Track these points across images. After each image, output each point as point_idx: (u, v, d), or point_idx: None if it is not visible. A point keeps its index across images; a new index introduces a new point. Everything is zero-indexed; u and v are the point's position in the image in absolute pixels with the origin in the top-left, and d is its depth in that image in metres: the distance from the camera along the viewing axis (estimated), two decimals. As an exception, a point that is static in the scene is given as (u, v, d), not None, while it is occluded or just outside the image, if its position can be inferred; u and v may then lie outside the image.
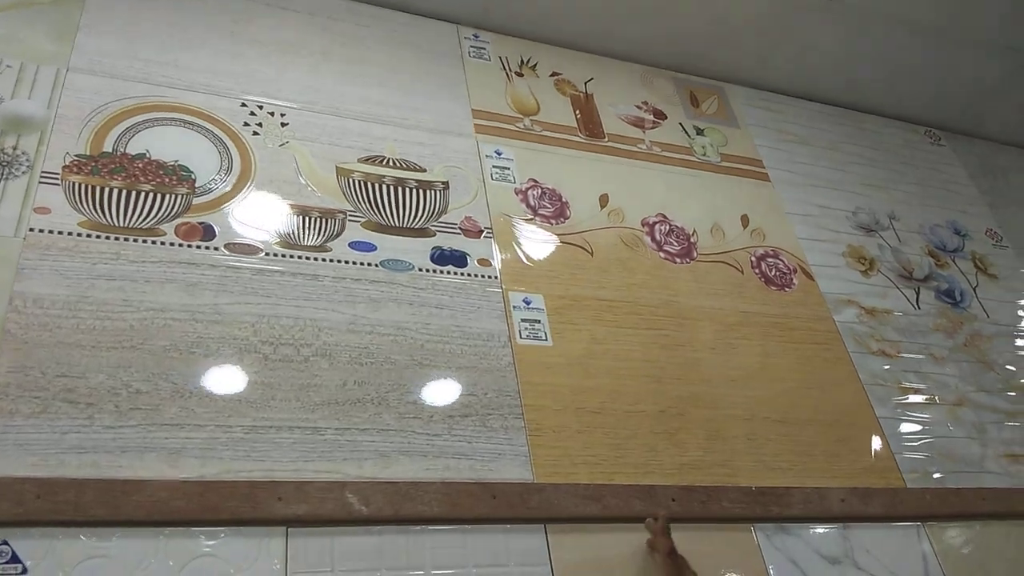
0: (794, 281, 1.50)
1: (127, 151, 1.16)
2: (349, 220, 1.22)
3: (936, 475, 1.33)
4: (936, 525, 1.27)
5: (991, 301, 1.69)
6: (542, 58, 1.65)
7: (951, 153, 2.02)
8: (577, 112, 1.59)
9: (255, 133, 1.26)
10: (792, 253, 1.55)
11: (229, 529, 0.90)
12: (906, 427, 1.38)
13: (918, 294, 1.62)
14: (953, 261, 1.74)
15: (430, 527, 0.98)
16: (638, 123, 1.64)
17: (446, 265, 1.23)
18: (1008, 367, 1.58)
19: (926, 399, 1.44)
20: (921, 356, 1.51)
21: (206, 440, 0.95)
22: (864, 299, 1.54)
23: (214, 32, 1.35)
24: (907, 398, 1.42)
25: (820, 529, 1.19)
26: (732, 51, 1.78)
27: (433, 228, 1.27)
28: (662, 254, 1.43)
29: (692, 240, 1.48)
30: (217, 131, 1.23)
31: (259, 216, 1.16)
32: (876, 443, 1.33)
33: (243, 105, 1.28)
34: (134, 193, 1.11)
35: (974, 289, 1.70)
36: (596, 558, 1.04)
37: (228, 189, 1.18)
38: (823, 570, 1.15)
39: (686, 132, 1.67)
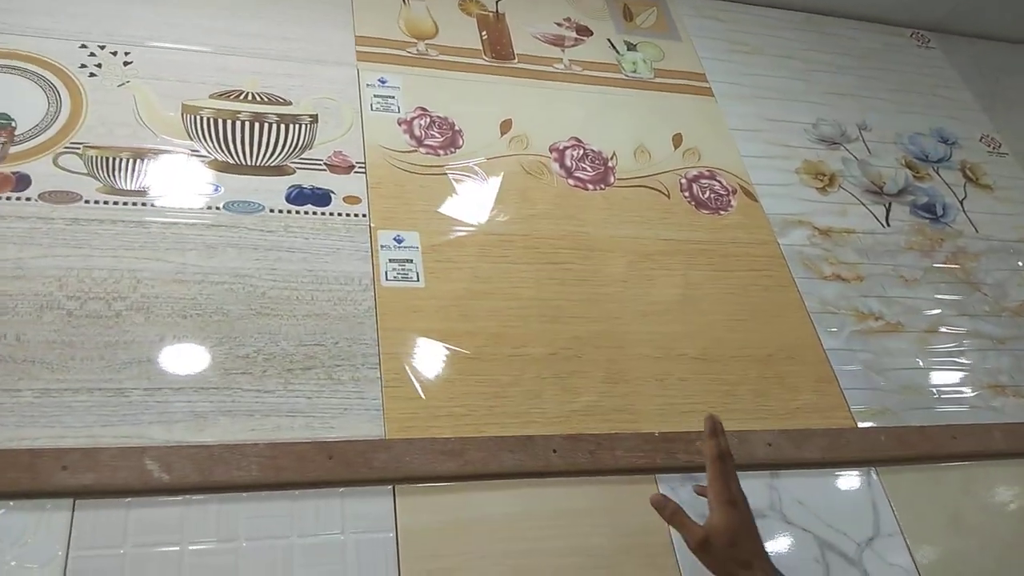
0: (732, 203, 1.32)
1: (-62, 101, 1.05)
2: (191, 159, 1.09)
3: (896, 412, 1.15)
4: (891, 469, 1.09)
5: (982, 214, 1.48)
6: (446, -21, 1.48)
7: (941, 55, 1.79)
8: (484, 33, 1.43)
9: (92, 75, 1.14)
10: (732, 172, 1.37)
11: (9, 503, 0.79)
12: (862, 359, 1.19)
13: (888, 210, 1.41)
14: (936, 172, 1.52)
15: (247, 493, 0.85)
16: (557, 41, 1.46)
17: (304, 204, 1.10)
18: (999, 287, 1.37)
19: (889, 326, 1.25)
20: (888, 278, 1.31)
21: (-12, 407, 0.84)
22: (818, 218, 1.35)
23: (59, -29, 1.23)
24: (865, 326, 1.23)
25: (743, 478, 1.02)
26: (673, -43, 1.59)
27: (293, 165, 1.14)
28: (571, 181, 1.26)
29: (610, 164, 1.31)
30: (48, 75, 1.12)
31: (80, 162, 1.05)
32: (821, 379, 1.15)
33: (82, 46, 1.17)
34: (-60, 144, 1.01)
35: (961, 202, 1.48)
36: (453, 521, 0.90)
37: (52, 135, 1.06)
38: (741, 526, 0.98)
39: (614, 48, 1.49)
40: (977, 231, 1.44)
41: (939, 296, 1.31)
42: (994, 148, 1.62)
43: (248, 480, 0.85)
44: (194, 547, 0.81)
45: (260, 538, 0.83)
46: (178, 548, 0.81)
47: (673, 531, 0.92)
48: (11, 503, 0.79)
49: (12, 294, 0.92)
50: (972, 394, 1.20)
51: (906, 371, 1.20)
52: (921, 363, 1.22)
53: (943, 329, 1.27)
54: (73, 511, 0.81)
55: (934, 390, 1.19)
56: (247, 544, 0.83)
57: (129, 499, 0.82)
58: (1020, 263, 1.42)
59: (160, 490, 0.83)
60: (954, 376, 1.22)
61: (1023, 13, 1.86)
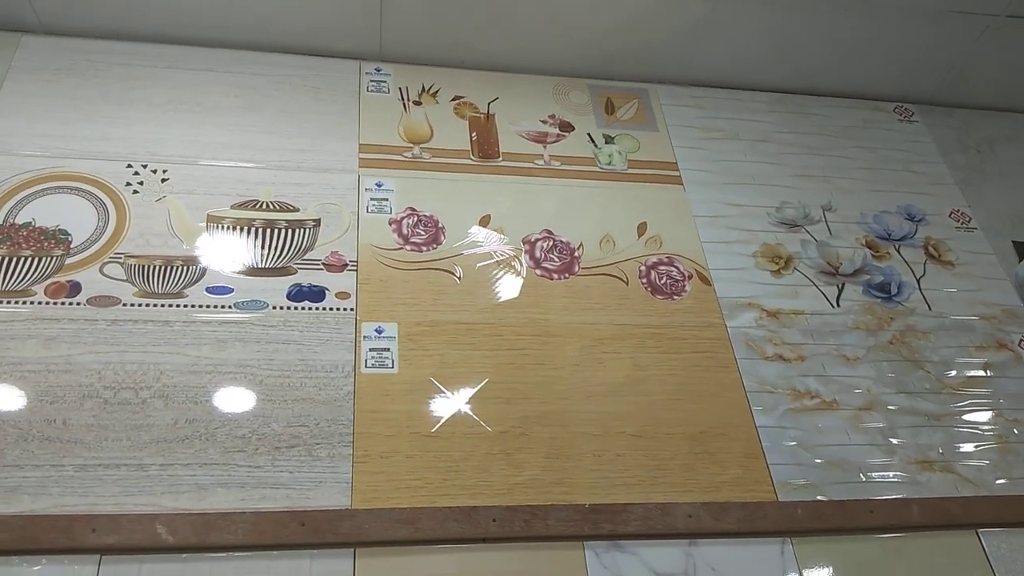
0: (686, 288, 1.47)
1: (15, 222, 1.31)
2: (211, 266, 1.33)
3: (818, 486, 1.27)
4: (805, 541, 1.22)
5: (938, 291, 1.58)
6: (445, 83, 1.69)
7: (923, 129, 1.89)
8: (474, 134, 1.62)
9: (135, 192, 1.39)
10: (690, 258, 1.52)
11: (48, 557, 1.03)
12: (792, 436, 1.32)
13: (841, 290, 1.54)
14: (897, 250, 1.63)
15: (236, 554, 1.07)
16: (540, 138, 1.65)
17: (302, 301, 1.32)
18: (944, 364, 1.47)
19: (824, 404, 1.37)
20: (829, 358, 1.43)
21: (39, 479, 1.08)
22: (768, 301, 1.49)
23: (112, 102, 1.50)
24: (800, 404, 1.36)
25: (661, 546, 1.18)
26: (655, 50, 1.75)
27: (295, 266, 1.36)
28: (538, 271, 1.44)
29: (576, 254, 1.48)
30: (99, 193, 1.38)
31: (121, 271, 1.29)
32: (749, 455, 1.29)
33: (128, 166, 1.42)
34: (14, 260, 1.27)
35: (918, 280, 1.59)
36: (403, 580, 1.09)
37: (101, 246, 1.31)
38: (655, 589, 1.14)
39: (593, 142, 1.67)
40: (930, 308, 1.54)
41: (879, 374, 1.43)
42: (963, 223, 1.71)
43: (234, 542, 1.07)
44: (190, 596, 1.03)
45: (242, 590, 1.04)
46: (178, 597, 1.02)
47: (592, 592, 1.09)
48: (44, 559, 1.02)
49: (62, 385, 1.16)
50: (898, 469, 1.32)
51: (834, 447, 1.32)
52: (850, 440, 1.34)
53: (878, 406, 1.39)
54: (99, 566, 1.03)
55: (859, 466, 1.31)
56: (232, 595, 1.04)
57: (142, 556, 1.05)
58: (969, 339, 1.51)
59: (166, 549, 1.05)
60: (881, 452, 1.33)
61: (1013, 80, 1.93)
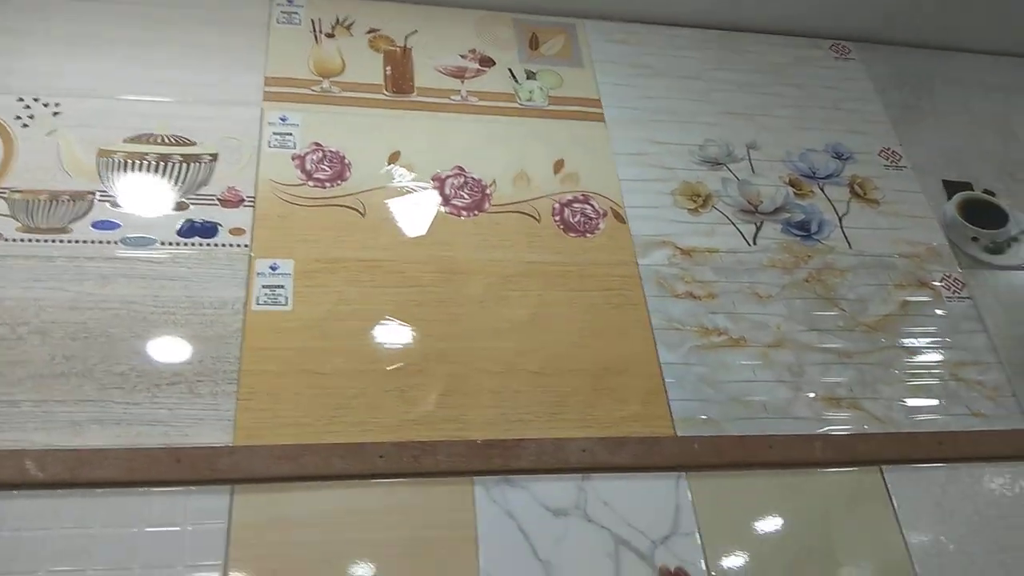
0: (600, 226, 1.44)
1: None
2: (99, 200, 1.28)
3: (720, 422, 1.26)
4: (700, 475, 1.21)
5: (860, 230, 1.55)
6: (360, 16, 1.63)
7: (860, 67, 1.84)
8: (388, 68, 1.57)
9: (24, 126, 1.34)
10: (606, 196, 1.48)
11: (-88, 495, 1.01)
12: (696, 373, 1.31)
13: (759, 229, 1.51)
14: (821, 189, 1.60)
15: (109, 490, 1.04)
16: (458, 73, 1.60)
17: (193, 237, 1.28)
18: (860, 302, 1.45)
19: (732, 341, 1.35)
20: (741, 295, 1.41)
21: (-93, 417, 1.05)
22: (683, 239, 1.46)
23: (6, 33, 1.43)
24: (707, 341, 1.34)
25: (553, 481, 1.16)
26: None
27: (188, 201, 1.31)
28: (446, 208, 1.41)
29: (488, 192, 1.44)
30: (-13, 127, 1.32)
31: (5, 205, 1.25)
32: (650, 391, 1.27)
33: (19, 100, 1.36)
34: None
35: (840, 218, 1.56)
36: (280, 516, 1.07)
37: (-16, 181, 1.27)
38: (544, 522, 1.12)
39: (514, 77, 1.62)
40: (850, 246, 1.52)
41: (791, 312, 1.41)
42: (893, 162, 1.68)
43: (107, 478, 1.04)
44: (58, 533, 1.01)
45: (113, 527, 1.02)
46: (45, 533, 1.00)
47: (479, 526, 1.08)
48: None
49: (-64, 322, 1.13)
50: (804, 406, 1.30)
51: (739, 384, 1.31)
52: (756, 376, 1.32)
53: (788, 344, 1.37)
54: (-35, 500, 1.01)
55: (764, 403, 1.30)
56: (102, 531, 1.01)
57: (11, 492, 1.02)
58: (888, 277, 1.49)
59: (35, 485, 1.03)
60: (788, 389, 1.32)
61: (956, 18, 1.89)
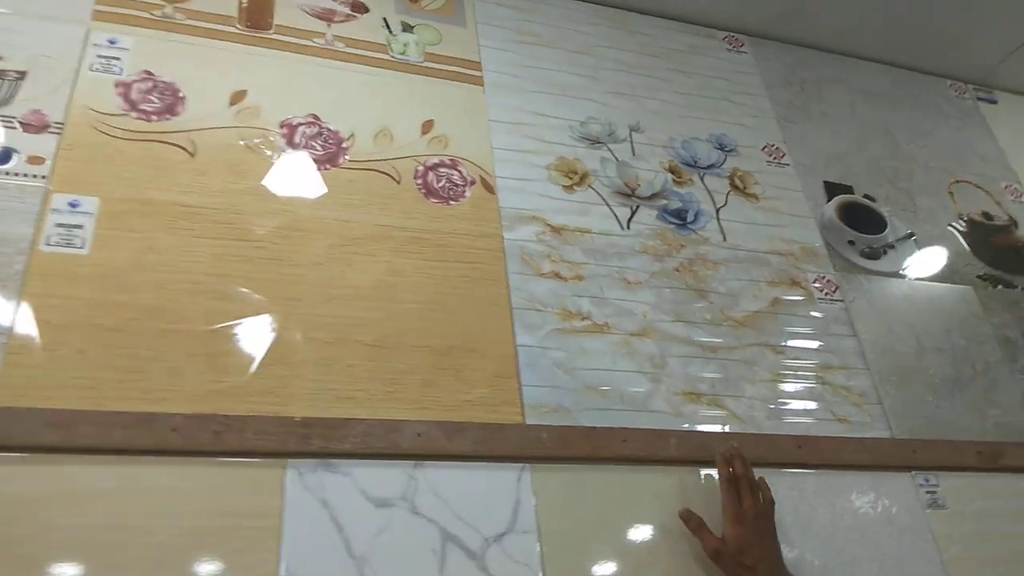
0: (466, 194, 1.32)
1: None
2: None
3: (572, 411, 1.16)
4: (546, 468, 1.10)
5: (737, 223, 1.49)
6: (220, -58, 1.45)
7: (751, 61, 1.80)
8: (244, 1, 1.40)
9: None
10: (477, 164, 1.36)
11: None
12: (552, 357, 1.20)
13: (634, 213, 1.42)
14: (701, 178, 1.53)
15: None
16: (326, 15, 1.44)
17: (-22, 161, 1.08)
18: (730, 296, 1.38)
19: (595, 327, 1.26)
20: (609, 280, 1.32)
21: None
22: (554, 216, 1.35)
23: None
24: (568, 325, 1.24)
25: (380, 467, 1.03)
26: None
27: (-22, 120, 1.11)
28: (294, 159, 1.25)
29: (344, 145, 1.30)
30: None
31: None
32: (500, 374, 1.16)
33: None
34: None
35: (717, 209, 1.49)
36: (47, 493, 0.90)
37: None
38: (364, 513, 0.99)
39: (388, 27, 1.48)
40: (725, 239, 1.45)
41: (659, 301, 1.33)
42: (775, 158, 1.63)
43: None
44: None
45: None
46: None
47: (286, 515, 0.93)
48: None
49: None
50: (662, 399, 1.22)
51: (597, 372, 1.21)
52: (616, 365, 1.23)
53: (652, 333, 1.28)
54: None
55: (622, 393, 1.20)
56: None
57: None
58: (761, 274, 1.43)
59: None
60: (647, 380, 1.23)
61: (850, 24, 1.87)
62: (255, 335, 1.07)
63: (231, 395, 1.02)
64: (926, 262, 1.61)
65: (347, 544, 0.96)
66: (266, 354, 1.06)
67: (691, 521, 1.08)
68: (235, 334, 1.07)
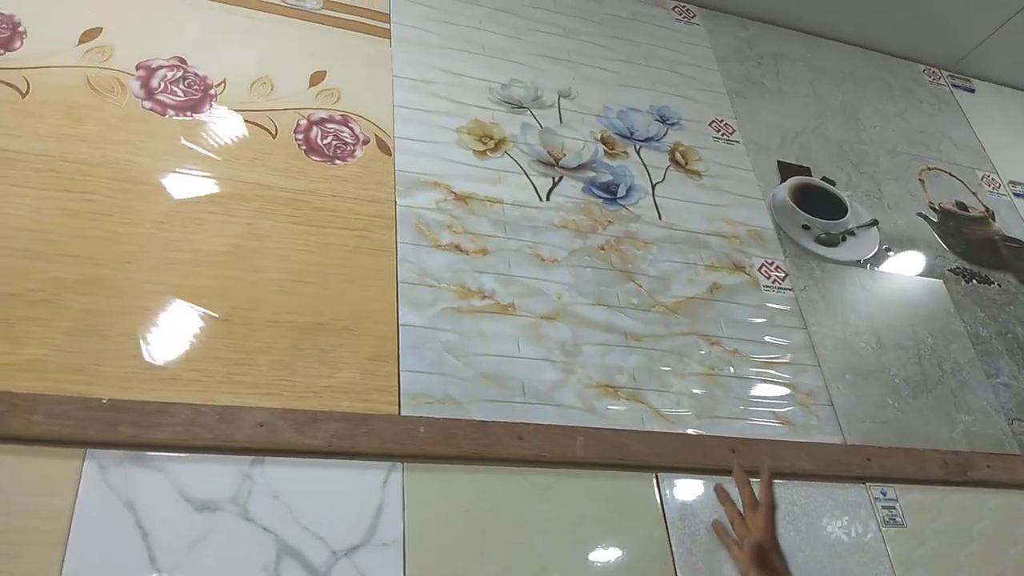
0: (356, 153, 1.14)
1: None
2: None
3: (461, 403, 0.97)
4: (422, 467, 0.91)
5: (675, 200, 1.32)
6: None
7: (703, 33, 1.64)
8: (117, -64, 1.23)
9: None
10: (372, 121, 1.19)
11: None
12: (444, 340, 1.02)
13: (555, 184, 1.25)
14: (637, 151, 1.36)
15: None
16: (211, -44, 1.27)
17: None
18: (661, 280, 1.21)
19: (498, 307, 1.08)
20: (519, 255, 1.14)
21: None
22: (460, 183, 1.18)
23: None
24: (466, 304, 1.06)
25: (208, 462, 0.84)
26: None
27: None
28: (148, 103, 1.07)
29: (212, 92, 1.12)
30: None
31: None
32: (377, 357, 0.97)
33: None
34: None
35: (653, 185, 1.32)
36: None
37: None
38: (180, 518, 0.80)
39: (284, -27, 1.31)
40: (660, 217, 1.28)
41: (577, 281, 1.15)
42: (724, 134, 1.47)
43: None
44: None
45: None
46: None
47: (76, 517, 0.74)
48: None
49: None
50: (572, 392, 1.04)
51: (496, 358, 1.03)
52: (520, 351, 1.05)
53: (566, 317, 1.10)
54: None
55: (523, 383, 1.02)
56: None
57: None
58: (699, 256, 1.26)
59: None
60: (556, 370, 1.05)
61: (812, 1, 1.72)
62: (69, 301, 0.88)
63: (28, 369, 0.83)
64: (890, 251, 1.44)
65: (151, 555, 0.77)
66: (79, 324, 0.87)
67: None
68: (46, 300, 0.88)
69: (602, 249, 1.20)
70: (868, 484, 1.12)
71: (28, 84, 1.03)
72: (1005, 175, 1.75)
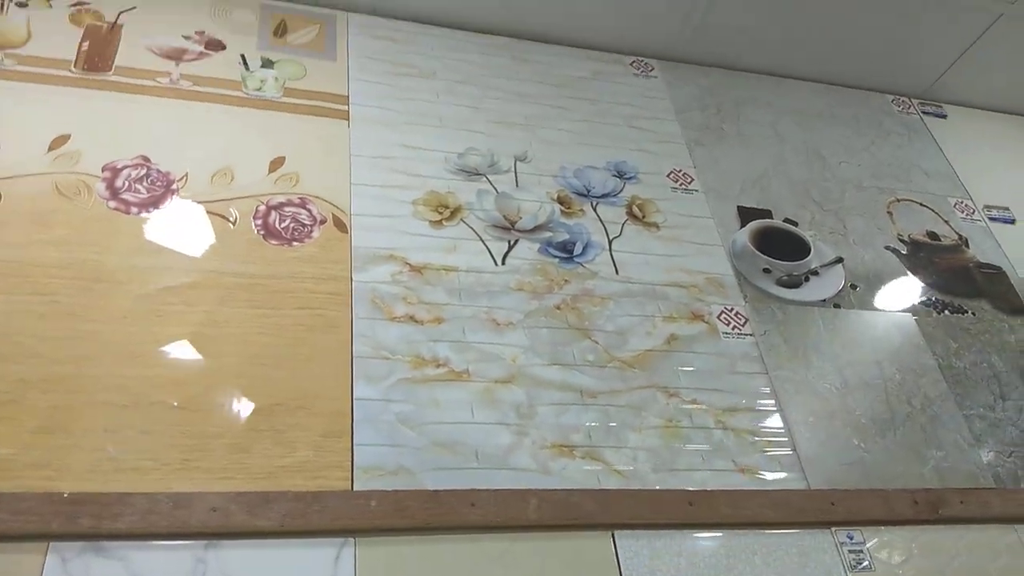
0: (314, 234, 1.20)
1: None
2: None
3: (415, 473, 1.01)
4: (375, 541, 0.94)
5: (632, 255, 1.35)
6: (67, -13, 1.38)
7: (661, 85, 1.68)
8: (86, 44, 1.32)
9: None
10: (330, 201, 1.24)
11: None
12: (397, 411, 1.05)
13: (511, 247, 1.29)
14: (594, 208, 1.40)
15: None
16: (175, 55, 1.35)
17: None
18: (618, 335, 1.23)
19: (452, 374, 1.11)
20: (475, 321, 1.18)
21: None
22: (416, 254, 1.22)
23: None
24: (420, 373, 1.10)
25: (163, 549, 0.88)
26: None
27: None
28: (113, 203, 1.14)
29: (174, 187, 1.18)
30: None
31: None
32: (330, 434, 1.01)
33: None
34: None
35: (610, 240, 1.36)
36: None
37: None
38: (135, 606, 0.84)
39: (245, 64, 1.38)
40: (617, 272, 1.31)
41: (533, 343, 1.18)
42: (682, 184, 1.50)
43: None
44: None
45: None
46: None
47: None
48: None
49: None
50: (527, 454, 1.06)
51: (450, 426, 1.06)
52: (475, 417, 1.08)
53: (521, 379, 1.13)
54: None
55: (477, 449, 1.05)
56: None
57: None
58: (657, 308, 1.28)
59: None
60: (511, 433, 1.08)
61: (769, 41, 1.76)
62: (34, 400, 0.94)
63: (-8, 470, 0.88)
64: (857, 288, 1.45)
65: (107, 645, 0.81)
66: (43, 422, 0.93)
67: None
68: (13, 400, 0.93)
69: (558, 309, 1.23)
70: (834, 529, 1.12)
71: (0, 195, 1.10)
72: (980, 200, 1.75)
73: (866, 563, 1.09)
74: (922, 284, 1.52)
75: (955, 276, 1.57)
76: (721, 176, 1.55)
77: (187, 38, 1.38)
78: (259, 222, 1.18)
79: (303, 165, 1.27)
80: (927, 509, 1.17)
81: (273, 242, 1.17)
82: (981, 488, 1.23)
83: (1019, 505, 1.22)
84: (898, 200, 1.67)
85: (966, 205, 1.73)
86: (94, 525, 0.86)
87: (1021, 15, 1.74)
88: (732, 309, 1.33)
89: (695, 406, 1.18)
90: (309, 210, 1.22)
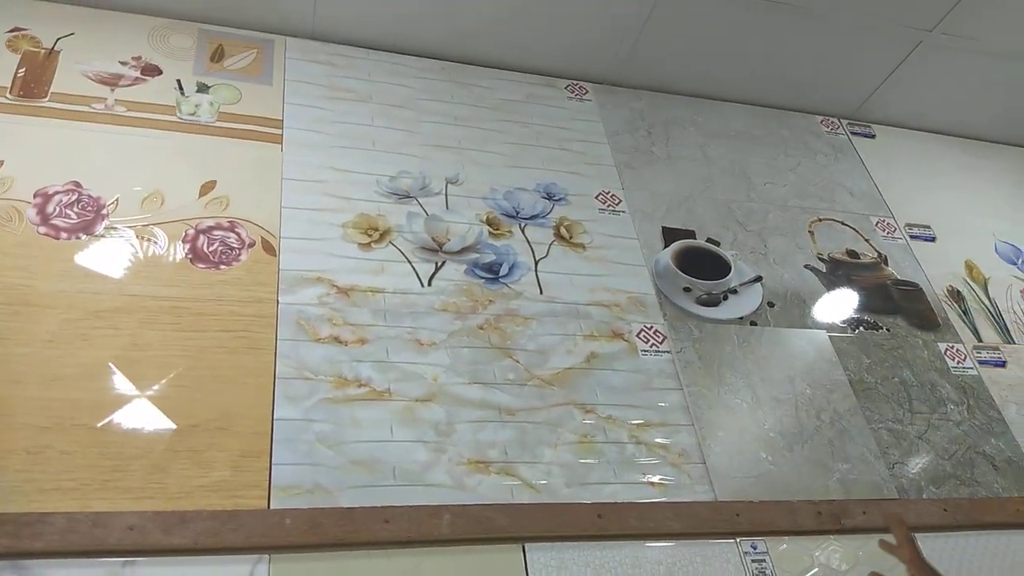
0: (241, 257, 1.23)
1: None
2: None
3: (331, 491, 1.05)
4: (288, 558, 0.98)
5: (557, 275, 1.40)
6: (7, 14, 1.40)
7: (594, 108, 1.74)
8: (23, 70, 1.34)
9: None
10: (259, 225, 1.28)
11: None
12: (317, 431, 1.10)
13: (438, 269, 1.33)
14: (522, 229, 1.45)
15: None
16: (111, 81, 1.38)
17: None
18: (539, 354, 1.28)
19: (374, 394, 1.16)
20: (398, 342, 1.22)
21: None
22: (343, 276, 1.27)
23: None
24: (341, 393, 1.14)
25: (82, 566, 0.91)
26: (294, 2, 1.52)
27: None
28: (43, 229, 1.17)
29: (104, 212, 1.22)
30: None
31: None
32: (249, 453, 1.05)
33: None
34: None
35: (536, 261, 1.41)
36: None
37: None
38: (48, 624, 0.87)
39: (180, 89, 1.41)
40: (541, 292, 1.36)
41: (454, 362, 1.23)
42: (610, 205, 1.55)
43: None
44: None
45: None
46: None
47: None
48: None
49: None
50: (443, 470, 1.11)
51: (368, 444, 1.11)
52: (393, 435, 1.12)
53: (441, 398, 1.18)
54: None
55: (395, 466, 1.09)
56: None
57: None
58: (579, 327, 1.33)
59: None
60: (428, 450, 1.12)
61: (701, 65, 1.82)
62: (-45, 424, 0.97)
63: (-89, 494, 0.91)
64: (774, 306, 1.51)
65: (20, 661, 0.84)
66: (-37, 445, 0.96)
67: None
68: (-70, 424, 0.96)
69: (481, 328, 1.28)
70: (738, 539, 1.18)
71: (-71, 220, 1.13)
72: (901, 218, 1.83)
73: (768, 571, 1.15)
74: (839, 302, 1.59)
75: (873, 293, 1.64)
76: (648, 197, 1.60)
77: (124, 63, 1.41)
78: (187, 246, 1.22)
79: (234, 189, 1.31)
80: (830, 520, 1.23)
81: (201, 265, 1.21)
82: (884, 499, 1.29)
83: (920, 515, 1.29)
84: (820, 220, 1.74)
85: (888, 223, 1.80)
86: (12, 544, 0.90)
87: (939, 43, 1.82)
88: (651, 327, 1.38)
89: (610, 422, 1.24)
90: (238, 233, 1.26)
